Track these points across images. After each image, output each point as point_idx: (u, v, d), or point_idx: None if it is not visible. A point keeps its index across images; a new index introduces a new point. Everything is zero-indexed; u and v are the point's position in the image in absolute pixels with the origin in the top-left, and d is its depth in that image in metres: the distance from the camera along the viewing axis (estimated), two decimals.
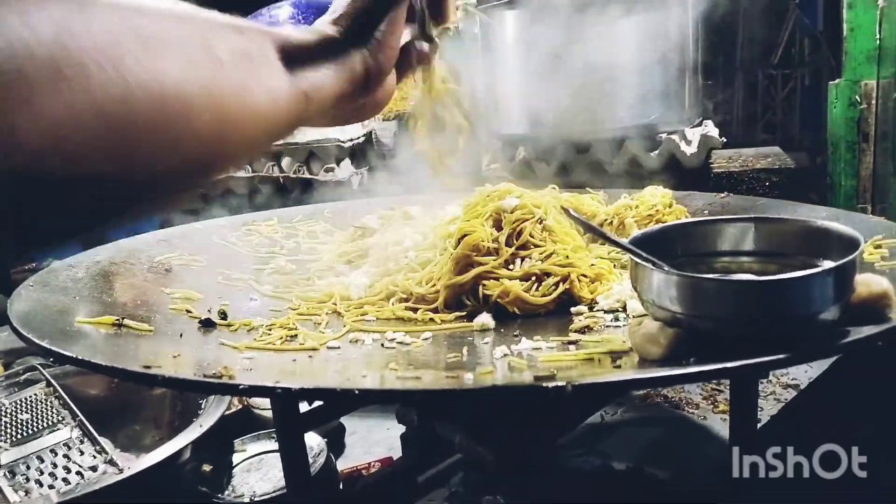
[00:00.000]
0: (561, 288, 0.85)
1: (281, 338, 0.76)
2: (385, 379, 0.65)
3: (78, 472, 1.20)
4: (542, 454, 0.93)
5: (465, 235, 0.90)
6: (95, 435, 1.25)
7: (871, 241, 0.84)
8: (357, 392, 0.56)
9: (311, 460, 1.12)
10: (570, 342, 0.71)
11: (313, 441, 1.21)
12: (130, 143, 0.36)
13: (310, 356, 0.72)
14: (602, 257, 0.96)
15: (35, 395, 1.32)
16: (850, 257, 0.56)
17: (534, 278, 0.86)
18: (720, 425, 1.31)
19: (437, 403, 0.91)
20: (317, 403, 1.06)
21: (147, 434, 1.35)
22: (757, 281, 0.57)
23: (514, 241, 0.90)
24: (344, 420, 1.46)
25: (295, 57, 0.50)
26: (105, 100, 0.33)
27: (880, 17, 1.58)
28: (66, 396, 1.32)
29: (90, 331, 0.75)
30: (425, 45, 0.70)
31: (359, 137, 2.02)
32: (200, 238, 1.23)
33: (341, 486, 1.25)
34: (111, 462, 1.19)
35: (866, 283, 0.58)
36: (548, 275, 0.86)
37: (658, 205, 1.12)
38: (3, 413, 1.28)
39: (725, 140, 1.75)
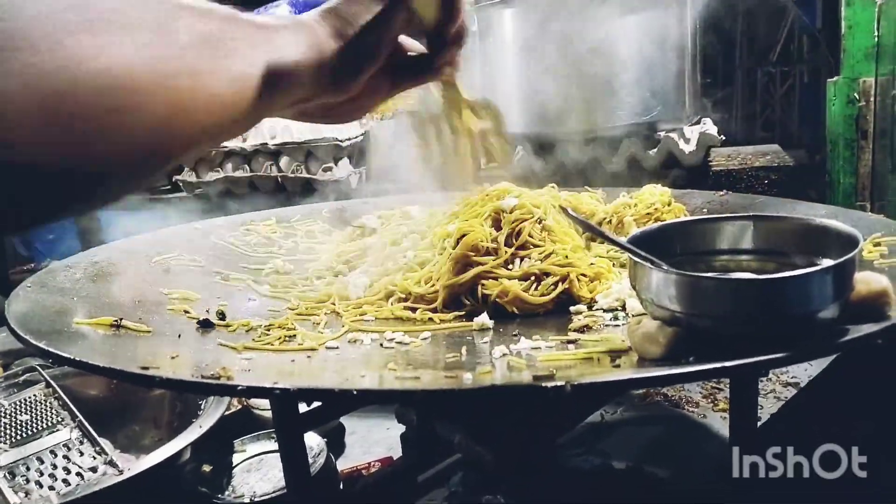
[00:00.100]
0: (560, 287, 0.85)
1: (279, 338, 0.76)
2: (384, 379, 0.64)
3: (78, 473, 1.20)
4: (542, 453, 0.93)
5: (463, 235, 0.90)
6: (95, 436, 1.24)
7: (870, 238, 0.84)
8: (356, 392, 0.56)
9: (310, 460, 1.12)
10: (569, 341, 0.71)
11: (313, 441, 1.21)
12: (74, 129, 0.34)
13: (308, 356, 0.72)
14: (601, 256, 0.96)
15: (34, 396, 1.32)
16: (849, 255, 0.56)
17: (533, 278, 0.86)
18: (720, 424, 1.31)
19: (437, 403, 0.91)
20: (316, 404, 1.06)
21: (147, 435, 1.35)
22: (756, 279, 0.57)
23: (514, 241, 0.90)
24: (344, 420, 1.46)
25: (263, 46, 0.48)
26: (43, 81, 0.31)
27: (878, 15, 1.58)
28: (65, 397, 1.31)
29: (88, 332, 0.75)
30: (434, 60, 0.69)
31: (357, 137, 2.02)
32: (198, 238, 1.23)
33: (341, 486, 1.25)
34: (111, 463, 1.19)
35: (865, 281, 0.58)
36: (547, 274, 0.86)
37: (657, 203, 1.12)
38: (3, 414, 1.28)
39: (724, 138, 1.75)
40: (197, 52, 0.42)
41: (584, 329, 0.76)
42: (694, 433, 1.31)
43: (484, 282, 0.86)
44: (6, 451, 1.23)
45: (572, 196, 1.23)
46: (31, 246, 3.02)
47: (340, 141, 1.95)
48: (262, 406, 1.40)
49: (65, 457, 1.23)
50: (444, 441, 0.91)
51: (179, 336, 0.77)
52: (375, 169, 1.97)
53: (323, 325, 0.83)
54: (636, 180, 1.56)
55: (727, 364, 0.51)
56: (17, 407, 1.30)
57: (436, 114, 0.85)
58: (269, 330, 0.79)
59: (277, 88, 0.50)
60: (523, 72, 1.73)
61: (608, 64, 1.64)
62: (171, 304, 0.89)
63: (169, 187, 2.35)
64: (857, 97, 1.61)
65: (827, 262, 0.58)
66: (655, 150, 1.73)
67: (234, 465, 1.22)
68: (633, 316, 0.75)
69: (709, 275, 0.61)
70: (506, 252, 0.88)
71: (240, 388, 0.57)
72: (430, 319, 0.83)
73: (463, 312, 0.85)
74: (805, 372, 1.40)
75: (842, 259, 0.55)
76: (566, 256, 0.88)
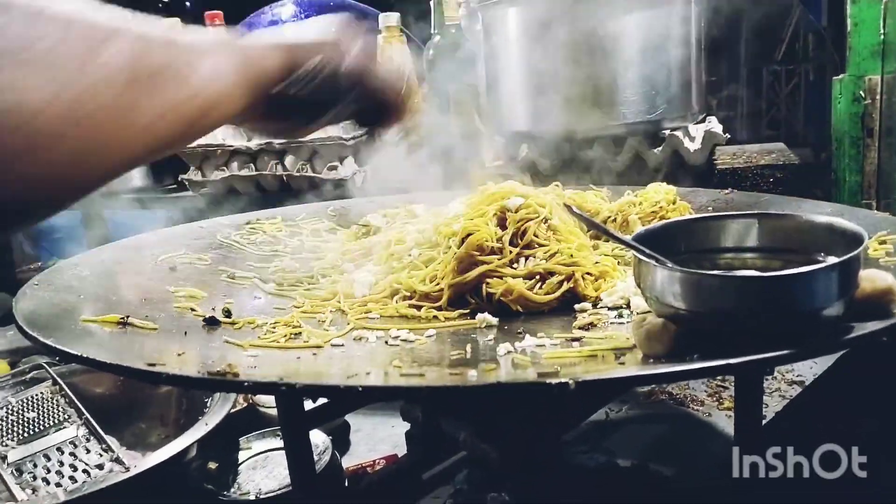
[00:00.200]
0: (565, 286, 0.85)
1: (285, 335, 0.76)
2: (389, 376, 0.65)
3: (84, 471, 1.21)
4: (547, 451, 0.93)
5: (469, 234, 0.90)
6: (101, 433, 1.25)
7: (875, 236, 0.84)
8: (361, 389, 0.56)
9: (316, 458, 1.13)
10: (574, 339, 0.71)
11: (318, 439, 1.21)
12: None
13: (314, 354, 0.72)
14: (606, 254, 0.96)
15: (41, 393, 1.33)
16: (855, 253, 0.56)
17: (538, 277, 0.86)
18: (725, 422, 1.31)
19: (442, 400, 0.91)
20: (321, 401, 1.06)
21: (153, 432, 1.36)
22: (760, 277, 0.57)
23: (519, 241, 0.90)
24: (349, 418, 1.46)
25: (196, 75, 0.47)
26: None
27: (884, 12, 1.57)
28: (71, 395, 1.32)
29: (95, 329, 0.75)
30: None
31: (361, 135, 2.02)
32: (204, 237, 1.23)
33: (346, 484, 1.25)
34: (117, 460, 1.20)
35: (871, 279, 0.58)
36: (552, 273, 0.86)
37: (662, 201, 1.12)
38: (10, 411, 1.29)
39: (729, 136, 1.75)
40: (121, 88, 0.39)
41: (588, 327, 0.76)
42: (699, 431, 1.31)
43: (489, 280, 0.86)
44: (14, 448, 1.24)
45: (577, 194, 1.24)
46: (37, 244, 3.04)
47: (345, 139, 1.95)
48: (268, 404, 1.41)
49: (71, 454, 1.24)
50: (450, 438, 0.91)
51: (186, 333, 0.77)
52: (380, 167, 1.97)
53: (328, 323, 0.83)
54: (641, 178, 1.56)
55: (732, 361, 0.52)
56: (25, 404, 1.31)
57: None
58: (274, 327, 0.79)
59: (209, 118, 0.49)
60: (527, 70, 1.73)
61: (613, 62, 1.64)
62: (178, 301, 0.89)
63: (174, 186, 2.36)
64: (863, 95, 1.60)
65: (832, 260, 0.58)
66: (660, 148, 1.73)
67: (239, 462, 1.23)
68: (637, 314, 0.75)
69: (713, 272, 0.61)
70: (510, 252, 0.89)
71: (246, 384, 0.58)
72: (435, 317, 0.84)
73: (468, 310, 0.85)
74: (810, 370, 1.40)
75: (847, 256, 0.55)
76: (571, 255, 0.88)
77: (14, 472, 1.19)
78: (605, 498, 1.04)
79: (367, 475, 1.28)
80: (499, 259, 0.88)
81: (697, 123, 1.81)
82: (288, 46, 0.60)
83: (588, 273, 0.87)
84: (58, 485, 1.18)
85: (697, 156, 1.71)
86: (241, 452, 1.25)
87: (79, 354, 0.64)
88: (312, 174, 2.02)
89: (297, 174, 2.04)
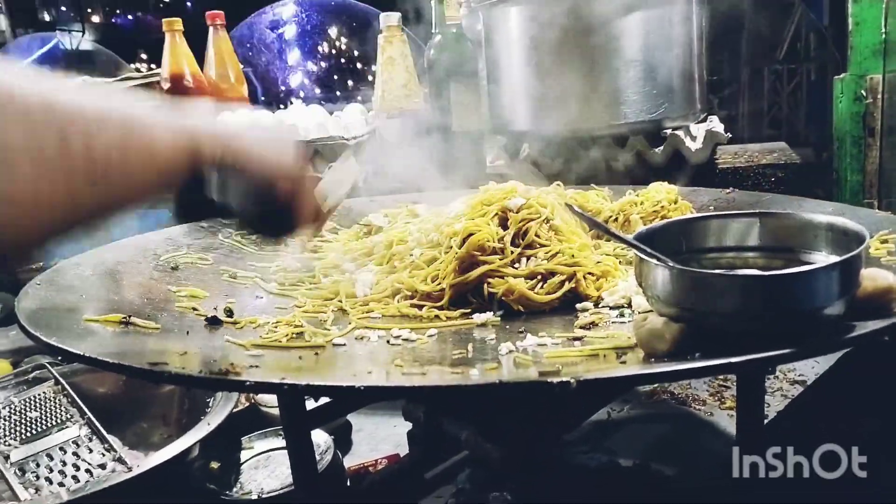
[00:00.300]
0: (566, 286, 0.85)
1: (287, 335, 0.76)
2: (391, 375, 0.65)
3: (87, 470, 1.21)
4: (549, 451, 0.93)
5: (470, 234, 0.90)
6: (104, 433, 1.25)
7: (877, 235, 0.84)
8: (363, 388, 0.56)
9: (318, 457, 1.13)
10: (576, 338, 0.71)
11: (320, 438, 1.21)
12: None
13: (316, 353, 0.72)
14: (608, 254, 0.96)
15: (44, 393, 1.33)
16: (856, 252, 0.56)
17: (539, 277, 0.86)
18: (727, 421, 1.31)
19: (443, 399, 0.91)
20: (323, 400, 1.06)
21: (155, 432, 1.36)
22: (762, 276, 0.57)
23: (520, 241, 0.90)
24: (351, 417, 1.46)
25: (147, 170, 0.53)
26: None
27: (886, 11, 1.57)
28: (74, 394, 1.32)
29: (97, 329, 0.76)
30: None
31: (363, 135, 2.03)
32: (206, 236, 1.23)
33: (348, 483, 1.25)
34: (120, 460, 1.20)
35: (872, 278, 0.58)
36: (553, 273, 0.86)
37: (663, 201, 1.12)
38: (13, 411, 1.29)
39: (731, 135, 1.75)
40: (75, 175, 0.45)
41: (590, 326, 0.76)
42: (701, 431, 1.30)
43: (490, 280, 0.86)
44: (16, 447, 1.24)
45: (579, 194, 1.24)
46: None
47: (347, 139, 1.95)
48: (270, 403, 1.41)
49: (74, 453, 1.24)
50: (452, 438, 0.91)
51: (188, 333, 0.77)
52: (382, 167, 1.97)
53: (330, 323, 0.83)
54: (642, 178, 1.56)
55: (733, 360, 0.52)
56: (27, 404, 1.31)
57: None
58: (276, 327, 0.79)
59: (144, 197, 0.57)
60: (528, 69, 1.73)
61: (614, 61, 1.64)
62: (180, 301, 0.90)
63: None
64: (865, 94, 1.61)
65: (833, 259, 0.58)
66: (662, 147, 1.73)
67: (241, 461, 1.23)
68: (639, 313, 0.75)
69: (715, 271, 0.61)
70: (512, 252, 0.89)
71: (248, 383, 0.58)
72: (437, 317, 0.84)
73: (469, 310, 0.85)
74: (812, 370, 1.40)
75: (848, 255, 0.55)
76: (573, 256, 0.88)
77: (17, 471, 1.19)
78: (606, 497, 1.04)
79: (368, 475, 1.28)
80: (500, 259, 0.88)
81: (699, 123, 1.81)
82: (236, 148, 0.66)
83: (590, 273, 0.87)
84: (60, 484, 1.18)
85: (699, 155, 1.71)
86: (243, 452, 1.25)
87: (81, 354, 0.65)
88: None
89: None
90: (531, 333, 0.72)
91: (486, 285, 0.86)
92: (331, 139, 1.96)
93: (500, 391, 0.58)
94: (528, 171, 1.72)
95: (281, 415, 1.02)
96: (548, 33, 1.65)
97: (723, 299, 0.56)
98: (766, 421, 1.12)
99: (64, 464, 1.22)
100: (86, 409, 1.30)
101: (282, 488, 1.13)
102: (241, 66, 2.26)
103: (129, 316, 0.78)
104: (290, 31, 3.48)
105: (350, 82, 3.50)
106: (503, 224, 0.92)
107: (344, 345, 0.75)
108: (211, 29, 2.11)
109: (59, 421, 1.29)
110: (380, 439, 1.45)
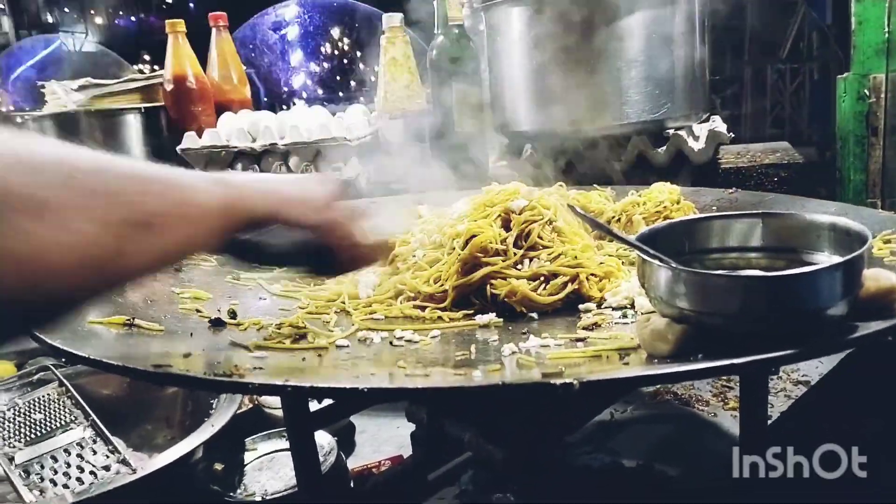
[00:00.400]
0: (569, 288, 0.85)
1: (290, 337, 0.76)
2: (394, 377, 0.65)
3: (91, 472, 1.21)
4: (551, 452, 0.93)
5: (473, 236, 0.90)
6: (108, 435, 1.25)
7: (880, 235, 0.83)
8: (366, 390, 0.56)
9: (321, 459, 1.13)
10: (578, 339, 0.71)
11: (323, 440, 1.22)
12: None
13: (319, 355, 0.72)
14: (610, 255, 0.96)
15: (48, 395, 1.33)
16: (859, 252, 0.56)
17: (542, 278, 0.86)
18: (730, 422, 1.30)
19: (446, 401, 0.91)
20: (326, 402, 1.06)
21: (159, 434, 1.36)
22: (765, 276, 0.57)
23: (523, 243, 0.90)
24: (354, 419, 1.46)
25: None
26: None
27: (889, 10, 1.57)
28: (78, 396, 1.33)
29: (101, 331, 0.76)
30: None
31: (366, 136, 2.03)
32: None
33: (352, 485, 1.25)
34: (124, 462, 1.20)
35: (875, 278, 0.58)
36: (556, 275, 0.86)
37: (666, 201, 1.12)
38: (17, 413, 1.30)
39: (733, 135, 1.75)
40: (115, 237, 0.48)
41: (592, 327, 0.76)
42: (704, 432, 1.30)
43: (493, 281, 0.86)
44: (21, 449, 1.24)
45: (581, 194, 1.24)
46: None
47: (349, 140, 1.95)
48: (273, 405, 1.41)
49: (78, 455, 1.24)
50: (454, 439, 0.91)
51: (191, 335, 0.78)
52: (385, 168, 1.97)
53: (333, 324, 0.83)
54: (645, 178, 1.56)
55: (736, 361, 0.52)
56: (31, 406, 1.32)
57: None
58: (279, 328, 0.79)
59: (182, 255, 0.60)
60: (530, 70, 1.73)
61: (616, 61, 1.64)
62: (183, 303, 0.90)
63: None
64: (868, 93, 1.60)
65: (836, 260, 0.58)
66: (664, 147, 1.73)
67: (245, 463, 1.23)
68: (641, 314, 0.75)
69: (718, 272, 0.61)
70: (515, 253, 0.89)
71: (251, 385, 0.58)
72: (440, 318, 0.84)
73: (472, 311, 0.85)
74: (816, 370, 1.39)
75: (851, 256, 0.55)
76: (575, 257, 0.88)
77: (22, 473, 1.20)
78: (609, 498, 1.04)
79: (372, 476, 1.28)
80: (503, 261, 0.88)
81: (701, 123, 1.81)
82: (274, 197, 0.67)
83: (592, 274, 0.87)
84: (65, 486, 1.19)
85: (701, 155, 1.71)
86: (246, 454, 1.25)
87: (85, 356, 0.65)
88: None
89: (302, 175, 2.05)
90: (534, 335, 0.72)
91: (488, 287, 0.86)
92: (333, 140, 1.96)
93: (503, 393, 0.58)
94: (530, 172, 1.72)
95: (284, 416, 1.02)
96: (550, 34, 1.65)
97: (725, 300, 0.56)
98: (769, 422, 1.12)
99: (68, 466, 1.23)
100: (90, 411, 1.30)
101: (285, 490, 1.13)
102: (244, 68, 2.26)
103: (133, 318, 0.78)
104: (292, 33, 3.48)
105: (352, 83, 3.50)
106: (506, 226, 0.92)
107: (347, 346, 0.75)
108: (214, 30, 2.12)
109: (63, 423, 1.30)
110: (383, 441, 1.45)
